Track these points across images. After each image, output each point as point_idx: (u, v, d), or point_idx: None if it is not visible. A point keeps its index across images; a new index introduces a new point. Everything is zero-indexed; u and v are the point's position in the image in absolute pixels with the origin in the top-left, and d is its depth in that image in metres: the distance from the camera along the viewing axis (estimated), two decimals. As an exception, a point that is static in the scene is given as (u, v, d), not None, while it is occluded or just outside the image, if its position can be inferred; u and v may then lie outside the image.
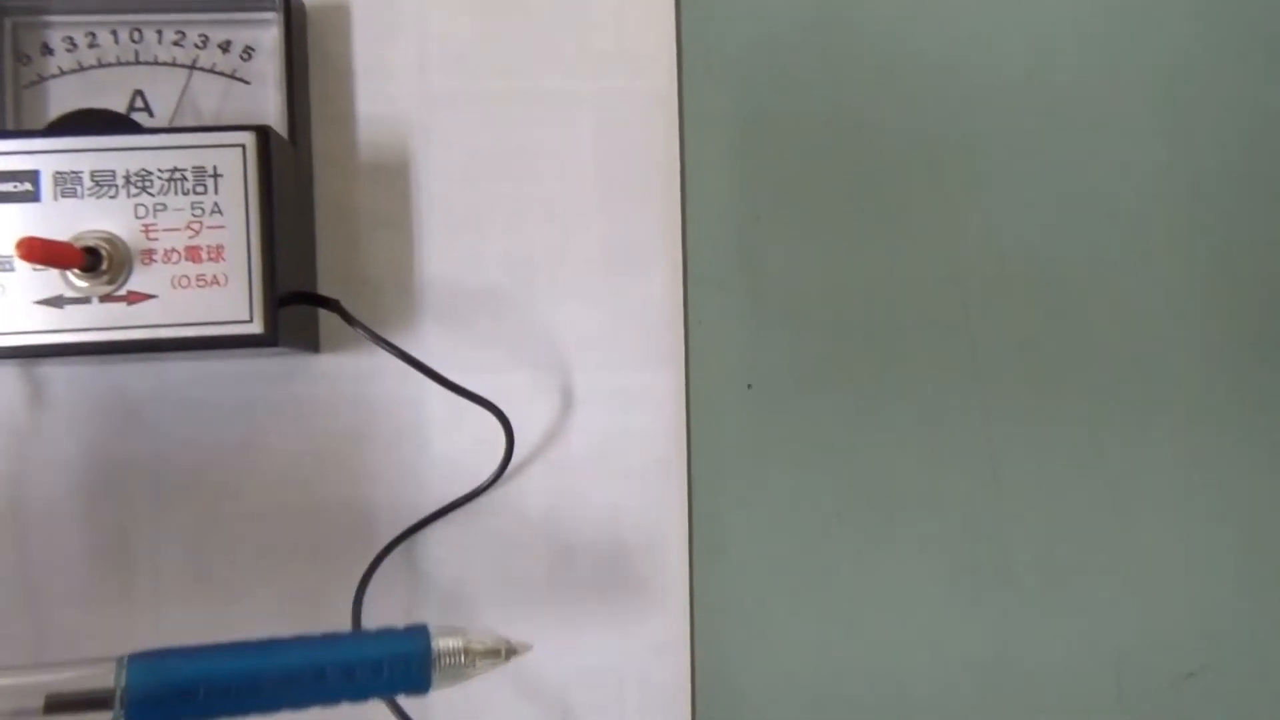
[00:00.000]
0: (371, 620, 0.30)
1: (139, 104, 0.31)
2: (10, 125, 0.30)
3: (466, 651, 0.24)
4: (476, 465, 0.32)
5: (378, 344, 0.29)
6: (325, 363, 0.32)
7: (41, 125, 0.30)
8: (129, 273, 0.27)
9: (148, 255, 0.27)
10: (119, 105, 0.31)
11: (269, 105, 0.31)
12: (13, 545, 0.31)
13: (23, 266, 0.27)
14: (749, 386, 0.34)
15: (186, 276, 0.27)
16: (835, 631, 0.34)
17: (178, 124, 0.31)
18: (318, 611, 0.31)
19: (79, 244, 0.27)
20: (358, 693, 0.23)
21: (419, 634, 0.23)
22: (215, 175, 0.28)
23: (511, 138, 0.32)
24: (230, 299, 0.27)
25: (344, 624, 0.30)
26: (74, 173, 0.27)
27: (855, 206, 0.34)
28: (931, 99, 0.34)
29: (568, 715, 0.32)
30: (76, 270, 0.27)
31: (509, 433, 0.31)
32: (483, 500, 0.32)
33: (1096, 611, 0.34)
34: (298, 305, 0.29)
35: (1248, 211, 0.35)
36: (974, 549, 0.34)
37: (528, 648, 0.25)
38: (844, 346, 0.34)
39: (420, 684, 0.23)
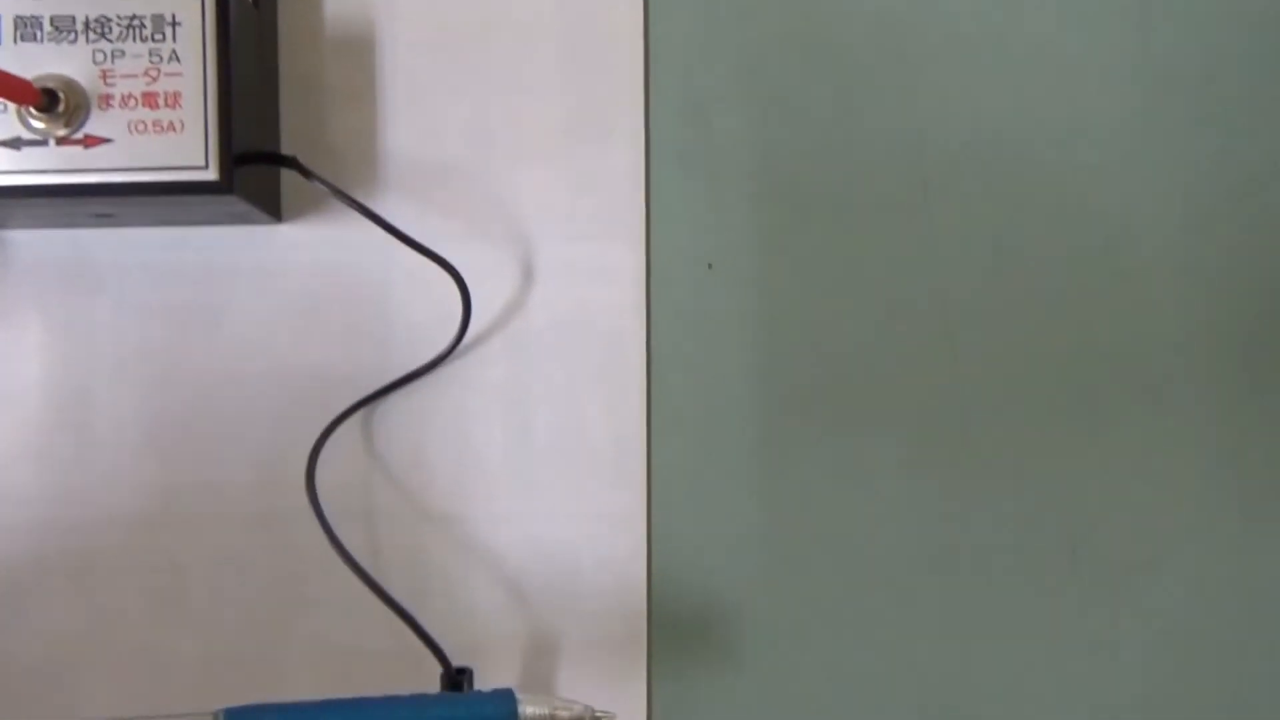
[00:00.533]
0: (328, 487, 0.31)
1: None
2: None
3: (553, 718, 0.25)
4: (436, 338, 0.32)
5: (337, 197, 0.30)
6: (287, 232, 0.33)
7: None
8: (86, 116, 0.28)
9: (105, 100, 0.28)
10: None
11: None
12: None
13: (-14, 105, 0.27)
14: (710, 266, 0.34)
15: (143, 122, 0.28)
16: (790, 507, 0.34)
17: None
18: (275, 475, 0.31)
19: (37, 85, 0.27)
20: None
21: (505, 700, 0.24)
22: (174, 24, 0.28)
23: (475, 10, 0.33)
24: (186, 146, 0.28)
25: (299, 487, 0.31)
26: (34, 17, 0.28)
27: (817, 82, 0.34)
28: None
29: (523, 585, 0.32)
30: (34, 110, 0.27)
31: (465, 297, 0.31)
32: (442, 371, 0.32)
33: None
34: (257, 165, 0.30)
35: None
36: (933, 426, 0.34)
37: (612, 716, 0.26)
38: (807, 227, 0.34)
39: None
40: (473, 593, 0.32)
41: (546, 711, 0.24)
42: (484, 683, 0.30)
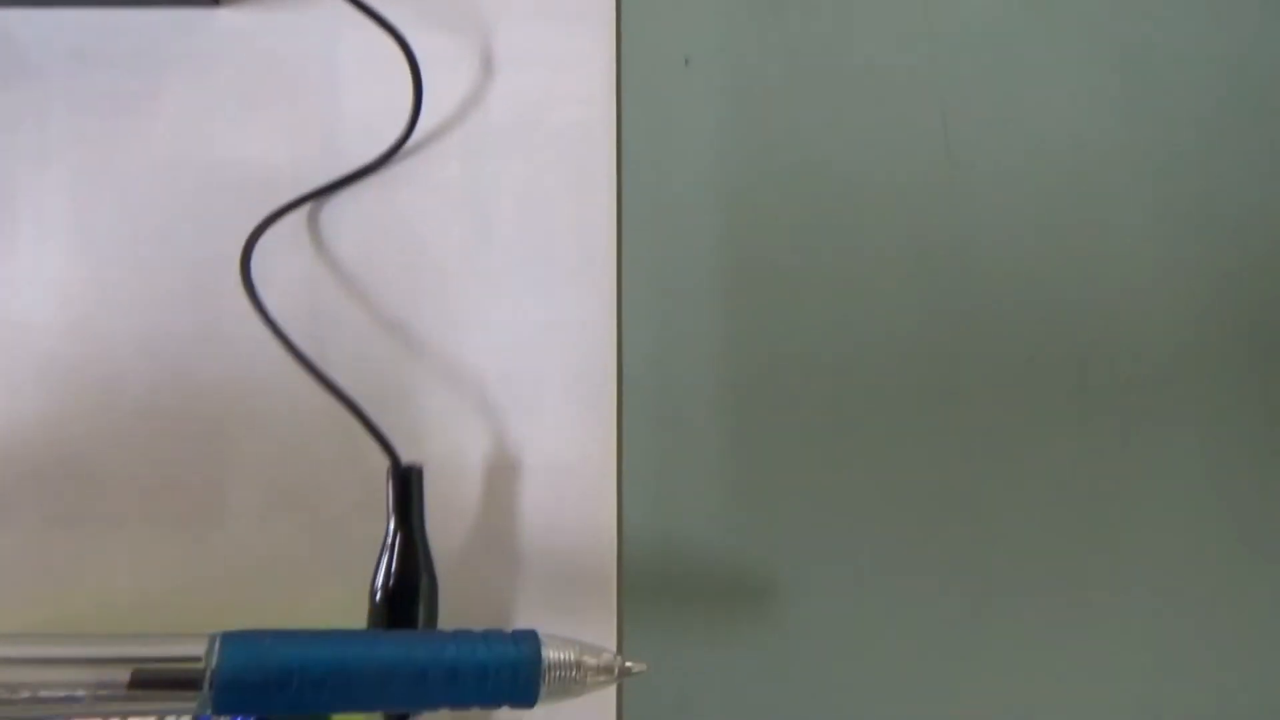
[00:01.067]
0: (269, 292, 0.28)
1: None
2: None
3: (579, 665, 0.22)
4: (386, 132, 0.30)
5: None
6: (226, 16, 0.30)
7: None
8: None
9: None
10: None
11: None
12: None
13: None
14: (686, 62, 0.32)
15: None
16: (759, 315, 0.31)
17: None
18: (212, 277, 0.29)
19: None
20: (459, 699, 0.22)
21: (529, 641, 0.22)
22: None
23: None
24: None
25: (237, 289, 0.28)
26: None
27: None
28: None
29: (484, 396, 0.30)
30: None
31: (417, 77, 0.29)
32: (393, 168, 0.30)
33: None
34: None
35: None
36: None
37: (641, 668, 0.24)
38: (788, 20, 0.32)
39: (527, 696, 0.22)
40: (428, 403, 0.29)
41: (572, 658, 0.22)
42: (438, 496, 0.28)
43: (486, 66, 0.30)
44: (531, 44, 0.30)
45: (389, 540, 0.27)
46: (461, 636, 0.23)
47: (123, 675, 0.20)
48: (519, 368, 0.30)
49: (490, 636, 0.22)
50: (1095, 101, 0.32)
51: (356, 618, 0.28)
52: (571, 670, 0.22)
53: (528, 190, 0.30)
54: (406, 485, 0.27)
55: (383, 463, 0.27)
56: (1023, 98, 0.32)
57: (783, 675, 0.30)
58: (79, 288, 0.29)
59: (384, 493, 0.27)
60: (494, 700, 0.22)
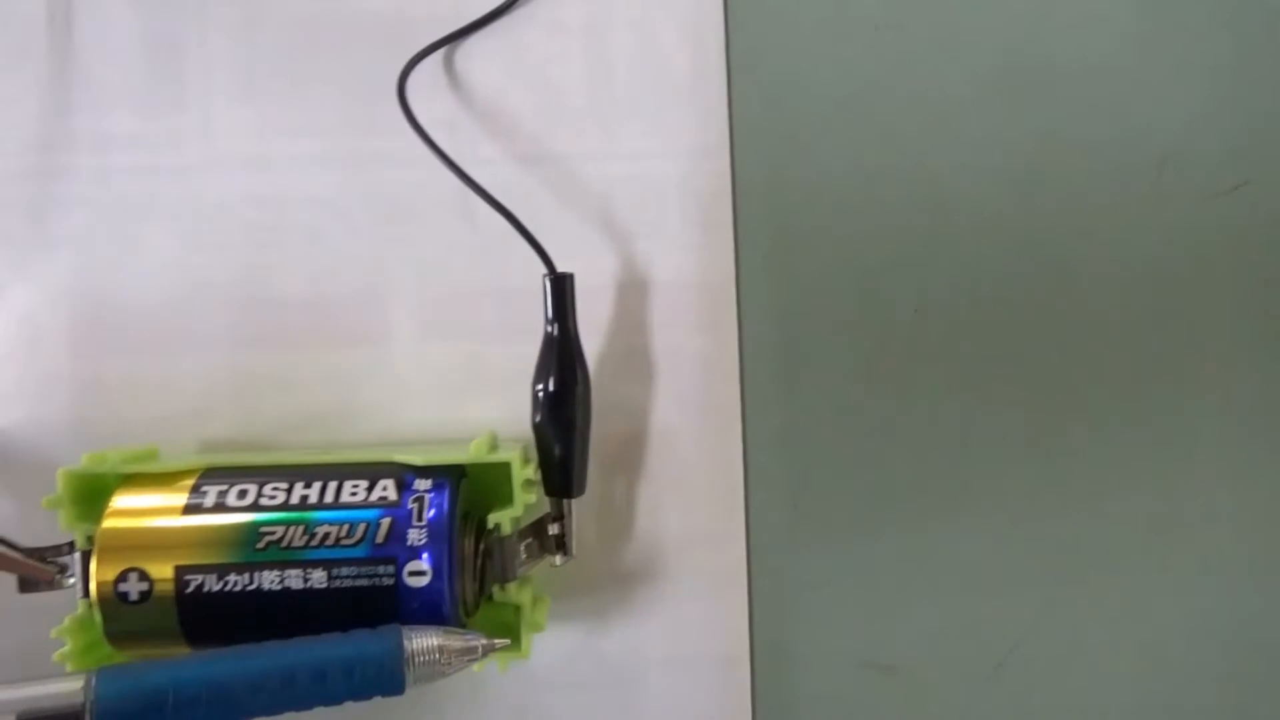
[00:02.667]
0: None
1: None
2: None
3: (442, 650, 0.24)
4: (514, -19, 0.32)
5: None
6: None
7: None
8: None
9: None
10: None
11: None
12: (63, 53, 0.32)
13: None
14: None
15: None
16: (864, 134, 0.34)
17: None
18: (367, 113, 0.32)
19: None
20: (330, 697, 0.23)
21: (390, 635, 0.23)
22: None
23: None
24: None
25: (388, 127, 0.31)
26: None
27: None
28: None
29: (611, 218, 0.33)
30: None
31: (543, -79, 0.31)
32: (520, 11, 0.33)
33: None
34: None
35: None
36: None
37: (505, 643, 0.25)
38: None
39: (395, 686, 0.23)
40: (564, 229, 0.32)
41: (434, 643, 0.24)
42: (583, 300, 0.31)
43: (600, -85, 0.33)
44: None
45: (548, 341, 0.30)
46: (325, 639, 0.24)
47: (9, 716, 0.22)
48: (642, 193, 0.33)
49: (353, 636, 0.24)
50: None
51: (508, 421, 0.31)
52: (434, 654, 0.24)
53: (642, 25, 0.33)
54: (562, 291, 0.30)
55: (521, 285, 0.30)
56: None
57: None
58: (246, 131, 0.32)
59: (526, 309, 0.30)
60: (364, 693, 0.23)
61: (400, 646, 0.24)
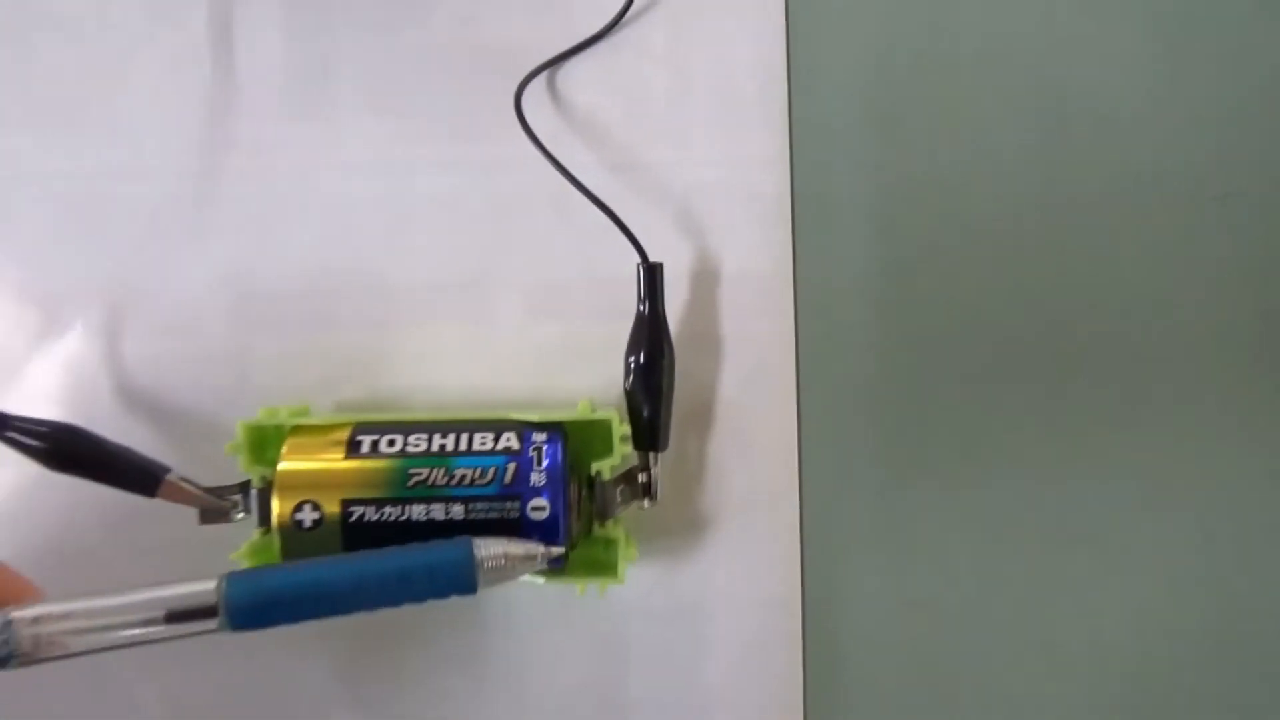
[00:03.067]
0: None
1: None
2: None
3: (507, 556, 0.28)
4: (606, 9, 0.38)
5: None
6: (477, -77, 0.38)
7: None
8: None
9: None
10: None
11: None
12: (226, 71, 0.37)
13: None
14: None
15: None
16: (907, 148, 0.39)
17: None
18: (481, 122, 0.38)
19: None
20: (415, 596, 0.27)
21: (463, 544, 0.28)
22: None
23: None
24: None
25: (500, 135, 0.37)
26: None
27: None
28: None
29: (686, 217, 0.38)
30: None
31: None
32: (613, 39, 0.38)
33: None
34: None
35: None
36: None
37: (560, 550, 0.30)
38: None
39: (468, 586, 0.27)
40: (647, 226, 0.37)
41: (500, 551, 0.28)
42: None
43: (680, -42, 0.38)
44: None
45: (640, 319, 0.36)
46: (410, 549, 0.28)
47: (159, 613, 0.26)
48: (714, 196, 0.38)
49: (433, 545, 0.28)
50: None
51: (597, 389, 0.37)
52: (500, 560, 0.28)
53: (716, 52, 0.38)
54: (653, 277, 0.35)
55: (609, 274, 0.36)
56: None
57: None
58: (376, 140, 0.38)
59: (627, 298, 0.36)
60: (443, 593, 0.27)
61: (471, 553, 0.28)
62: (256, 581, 0.27)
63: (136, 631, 0.25)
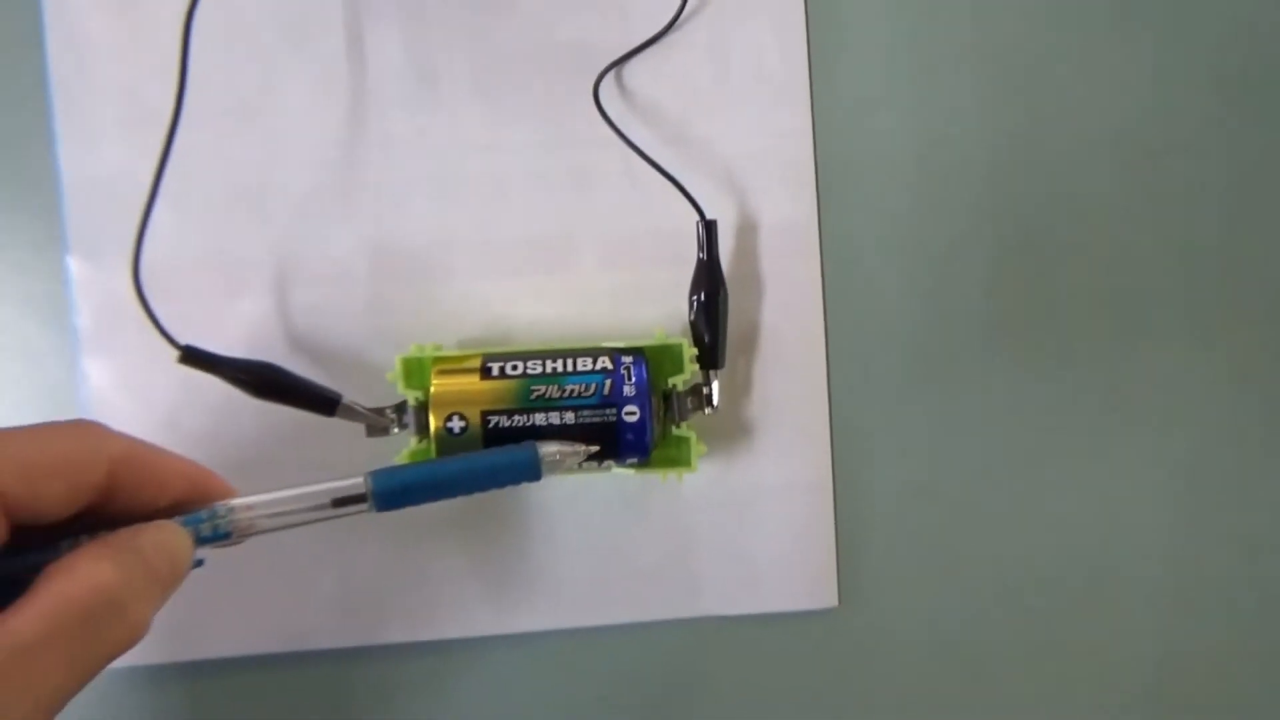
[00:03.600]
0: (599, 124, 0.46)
1: None
2: None
3: (560, 452, 0.37)
4: (659, 15, 0.47)
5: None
6: (555, -55, 0.47)
7: None
8: None
9: None
10: None
11: None
12: (359, 72, 0.46)
13: None
14: (845, -44, 0.48)
15: None
16: (931, 117, 0.48)
17: None
18: (566, 111, 0.47)
19: None
20: (500, 483, 0.36)
21: (529, 446, 0.37)
22: None
23: None
24: None
25: (579, 122, 0.46)
26: None
27: None
28: None
29: (731, 180, 0.47)
30: None
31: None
32: (669, 39, 0.47)
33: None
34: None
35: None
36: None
37: (594, 449, 0.40)
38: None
39: (534, 474, 0.36)
40: (699, 189, 0.46)
41: (555, 449, 0.37)
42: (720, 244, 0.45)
43: (721, -31, 0.47)
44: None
45: (700, 263, 0.45)
46: (496, 450, 0.37)
47: (326, 500, 0.33)
48: (754, 163, 0.47)
49: (509, 448, 0.37)
50: None
51: (665, 320, 0.46)
52: (555, 455, 0.37)
53: (749, 46, 0.47)
54: (710, 231, 0.45)
55: (675, 231, 0.45)
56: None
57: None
58: (480, 124, 0.47)
59: (686, 249, 0.45)
60: (518, 480, 0.36)
61: (536, 451, 0.37)
62: (392, 475, 0.34)
63: (311, 514, 0.32)
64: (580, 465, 0.41)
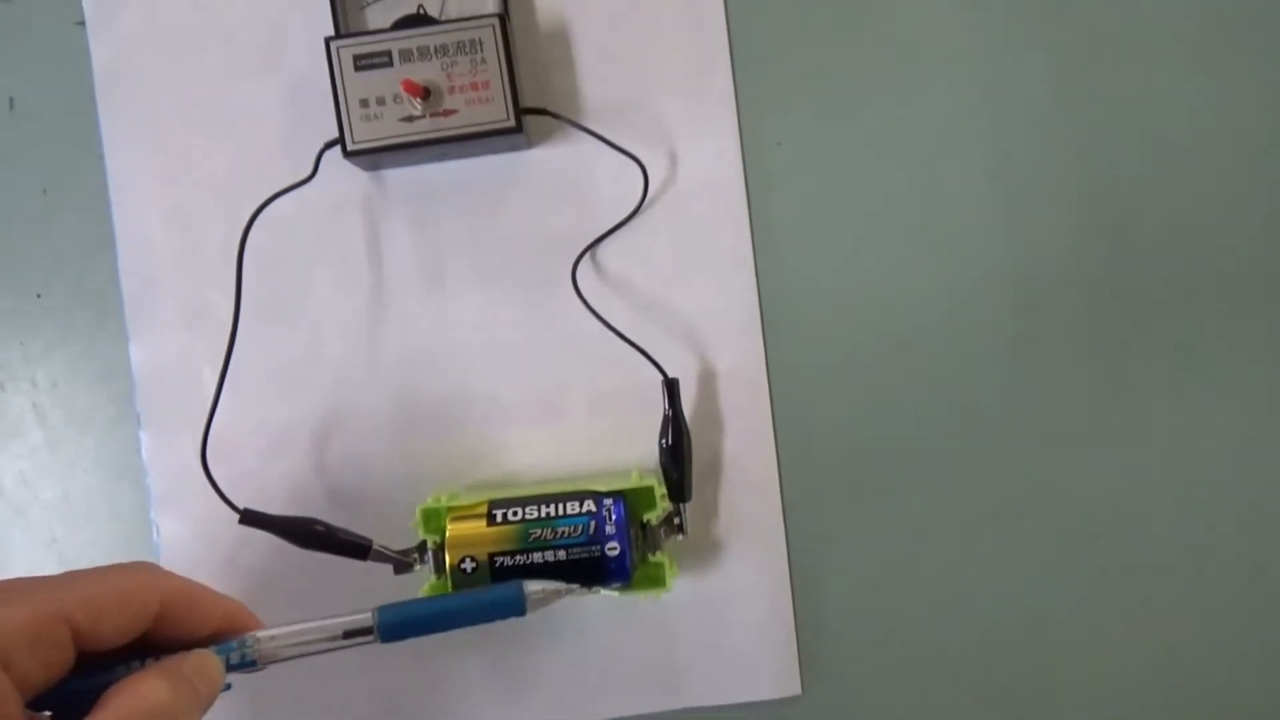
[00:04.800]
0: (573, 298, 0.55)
1: (421, 11, 0.54)
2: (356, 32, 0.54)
3: (544, 590, 0.40)
4: (622, 206, 0.56)
5: (569, 124, 0.53)
6: (535, 153, 0.56)
7: (387, 26, 0.53)
8: (442, 100, 0.51)
9: (451, 90, 0.51)
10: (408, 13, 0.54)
11: (489, 4, 0.54)
12: (376, 262, 0.56)
13: (391, 102, 0.51)
14: (779, 144, 0.57)
15: (473, 99, 0.51)
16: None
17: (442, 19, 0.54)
18: (547, 292, 0.56)
19: (420, 84, 0.51)
20: (489, 618, 0.39)
21: (514, 585, 0.40)
22: (480, 43, 0.51)
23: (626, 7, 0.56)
24: (496, 109, 0.51)
25: (558, 299, 0.55)
26: (408, 49, 0.51)
27: None
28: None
29: (689, 333, 0.56)
30: (419, 99, 0.51)
31: (645, 177, 0.55)
32: (633, 225, 0.56)
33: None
34: (529, 114, 0.53)
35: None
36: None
37: (573, 588, 0.42)
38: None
39: (520, 611, 0.39)
40: (666, 346, 0.56)
41: (540, 588, 0.40)
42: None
43: (673, 163, 0.57)
44: (691, 150, 0.56)
45: (666, 416, 0.54)
46: (486, 589, 0.41)
47: (338, 632, 0.36)
48: (708, 322, 0.56)
49: (496, 587, 0.40)
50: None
51: (643, 458, 0.55)
52: (540, 594, 0.40)
53: (695, 229, 0.56)
54: (672, 387, 0.54)
55: (646, 385, 0.54)
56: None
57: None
58: (475, 299, 0.56)
59: (657, 397, 0.54)
60: (507, 614, 0.39)
61: (522, 591, 0.40)
62: (395, 611, 0.38)
63: (325, 644, 0.36)
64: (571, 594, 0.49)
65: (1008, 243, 0.56)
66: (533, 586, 0.41)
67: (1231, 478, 0.56)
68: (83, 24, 0.55)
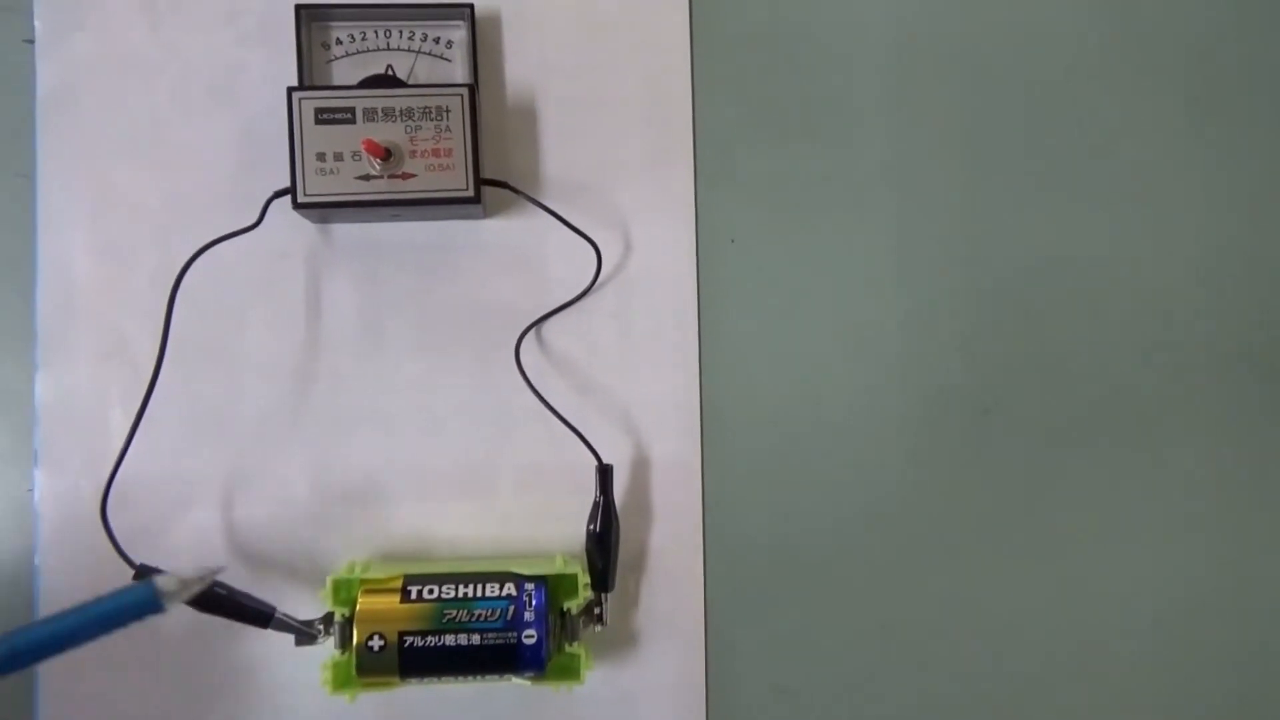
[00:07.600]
0: (535, 371, 0.54)
1: (390, 73, 0.54)
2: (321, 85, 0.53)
3: (181, 581, 0.37)
4: (573, 284, 0.56)
5: (532, 202, 0.53)
6: (490, 223, 0.56)
7: (353, 83, 0.53)
8: (403, 163, 0.51)
9: (412, 154, 0.51)
10: (377, 72, 0.54)
11: (458, 73, 0.54)
12: (314, 320, 0.54)
13: (349, 158, 0.50)
14: (732, 241, 0.58)
15: (433, 165, 0.51)
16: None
17: (411, 83, 0.54)
18: (493, 364, 0.55)
19: (382, 145, 0.50)
20: (119, 624, 0.36)
21: (149, 584, 0.36)
22: (447, 110, 0.51)
23: (591, 91, 0.56)
24: (456, 178, 0.51)
25: (502, 374, 0.54)
26: (372, 109, 0.50)
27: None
28: None
29: (630, 423, 0.56)
30: (379, 160, 0.50)
31: (599, 258, 0.55)
32: (577, 305, 0.56)
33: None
34: (488, 185, 0.53)
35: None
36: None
37: (223, 568, 0.42)
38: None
39: (159, 608, 0.36)
40: (603, 430, 0.55)
41: (175, 579, 0.37)
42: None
43: (626, 248, 0.57)
44: (648, 236, 0.57)
45: (596, 503, 0.53)
46: (97, 599, 0.36)
47: None
48: (647, 410, 0.56)
49: (124, 589, 0.36)
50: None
51: (568, 540, 0.54)
52: (173, 584, 0.36)
53: (648, 312, 0.56)
54: (606, 474, 0.53)
55: (579, 466, 0.53)
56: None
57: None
58: (421, 369, 0.55)
59: (589, 480, 0.53)
60: (137, 617, 0.36)
61: (154, 589, 0.36)
62: (8, 642, 0.35)
63: None
64: (480, 677, 0.47)
65: (916, 355, 0.58)
66: (167, 581, 0.37)
67: (1136, 580, 0.58)
68: (32, 42, 0.53)
